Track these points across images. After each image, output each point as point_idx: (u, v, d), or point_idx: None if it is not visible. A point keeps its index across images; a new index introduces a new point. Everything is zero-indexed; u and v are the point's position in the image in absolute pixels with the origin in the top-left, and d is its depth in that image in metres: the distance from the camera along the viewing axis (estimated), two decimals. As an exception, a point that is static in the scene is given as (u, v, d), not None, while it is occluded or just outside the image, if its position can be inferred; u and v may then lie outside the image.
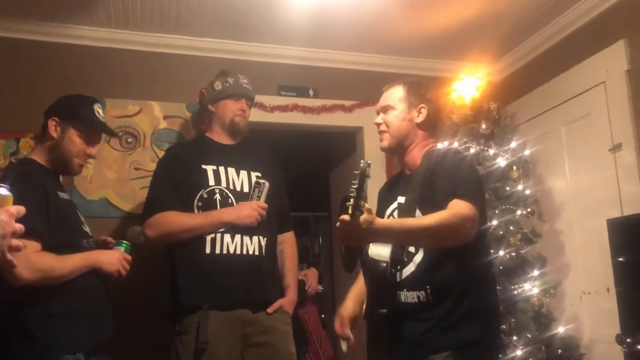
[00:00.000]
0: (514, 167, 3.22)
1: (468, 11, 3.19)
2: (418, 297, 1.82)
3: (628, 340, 2.49)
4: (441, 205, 1.73)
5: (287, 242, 2.69)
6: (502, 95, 3.67)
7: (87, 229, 2.21)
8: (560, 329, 3.01)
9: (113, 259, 2.11)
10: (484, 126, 3.30)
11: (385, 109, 2.05)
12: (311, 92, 3.63)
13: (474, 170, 1.88)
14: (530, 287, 3.02)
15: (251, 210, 2.40)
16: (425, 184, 1.84)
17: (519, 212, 3.13)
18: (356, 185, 1.49)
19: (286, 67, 3.59)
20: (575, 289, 3.18)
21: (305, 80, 3.63)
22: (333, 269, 4.93)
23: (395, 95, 2.03)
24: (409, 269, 1.85)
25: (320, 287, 3.89)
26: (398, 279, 1.86)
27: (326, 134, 4.07)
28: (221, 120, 2.60)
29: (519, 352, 2.86)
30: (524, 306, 2.98)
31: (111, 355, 2.80)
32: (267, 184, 2.48)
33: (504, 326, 2.90)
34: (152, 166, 2.92)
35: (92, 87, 3.00)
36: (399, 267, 1.86)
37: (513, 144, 3.29)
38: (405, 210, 1.89)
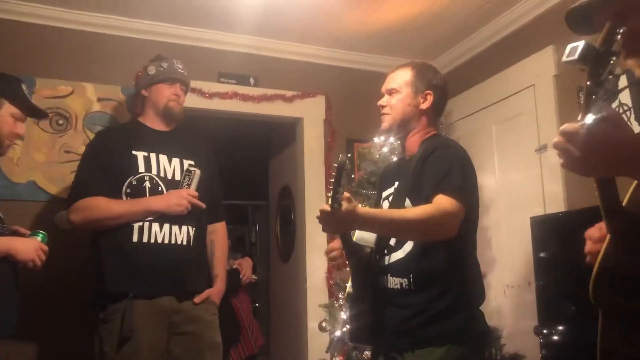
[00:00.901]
0: (448, 163, 3.31)
1: (409, 9, 3.25)
2: (401, 284, 1.82)
3: (544, 331, 2.65)
4: (427, 198, 1.73)
5: (218, 232, 2.66)
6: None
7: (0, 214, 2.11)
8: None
9: (29, 247, 1.99)
10: (420, 122, 3.38)
11: (390, 92, 1.98)
12: (252, 81, 3.60)
13: (464, 165, 1.84)
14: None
15: (180, 199, 2.36)
16: (416, 173, 1.83)
17: (449, 207, 3.23)
18: (334, 179, 1.51)
19: (227, 54, 3.55)
20: (500, 282, 3.32)
21: (246, 68, 3.60)
22: (269, 258, 4.95)
23: (402, 78, 1.96)
24: (397, 255, 1.85)
25: (254, 277, 3.90)
26: (385, 263, 1.87)
27: (266, 124, 4.07)
28: (155, 105, 2.55)
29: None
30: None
31: (36, 342, 2.73)
32: (198, 171, 2.45)
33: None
34: (84, 150, 2.83)
35: (21, 65, 2.88)
36: (386, 252, 1.87)
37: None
38: (396, 197, 1.91)
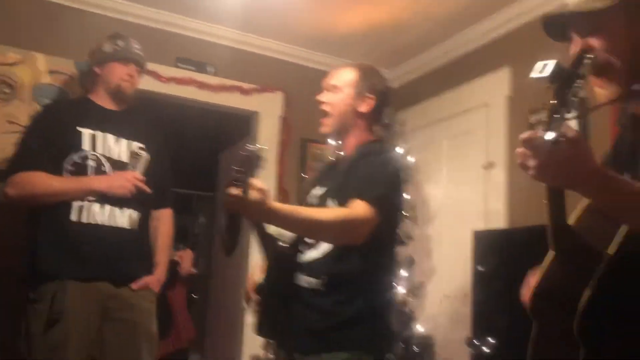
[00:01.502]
0: (398, 172, 3.37)
1: (375, 16, 3.28)
2: (314, 283, 1.78)
3: (475, 342, 2.72)
4: (347, 201, 1.71)
5: (163, 219, 2.60)
6: (394, 102, 3.80)
7: None
8: (419, 328, 3.20)
9: None
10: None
11: (331, 88, 1.93)
12: (210, 69, 3.55)
13: (392, 176, 1.82)
14: (396, 286, 3.18)
15: (125, 181, 2.31)
16: (345, 177, 1.81)
17: (396, 215, 3.28)
18: (242, 167, 1.44)
19: (187, 39, 3.49)
20: (437, 291, 3.39)
21: (206, 56, 3.55)
22: (212, 250, 4.89)
23: (346, 77, 1.92)
24: (313, 254, 1.82)
25: (193, 270, 3.85)
26: (300, 261, 1.83)
27: (221, 114, 4.01)
28: (106, 83, 2.47)
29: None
30: (389, 304, 3.14)
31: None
32: (146, 155, 2.40)
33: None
34: (28, 122, 2.72)
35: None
36: (301, 250, 1.83)
37: (400, 151, 3.44)
38: (322, 198, 1.88)
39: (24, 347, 2.21)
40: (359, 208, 1.68)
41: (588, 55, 0.93)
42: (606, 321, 0.98)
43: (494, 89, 3.20)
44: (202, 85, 3.49)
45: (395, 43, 3.61)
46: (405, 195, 1.97)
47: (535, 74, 0.95)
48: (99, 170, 2.34)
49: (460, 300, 3.16)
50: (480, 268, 2.82)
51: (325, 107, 1.93)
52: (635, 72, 1.06)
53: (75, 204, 2.26)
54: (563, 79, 0.90)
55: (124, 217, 2.34)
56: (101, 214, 2.29)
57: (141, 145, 2.46)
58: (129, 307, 2.33)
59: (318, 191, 1.95)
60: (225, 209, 1.58)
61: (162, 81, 3.35)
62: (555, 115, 0.89)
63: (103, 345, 2.29)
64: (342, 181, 1.82)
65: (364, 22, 3.37)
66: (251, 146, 1.46)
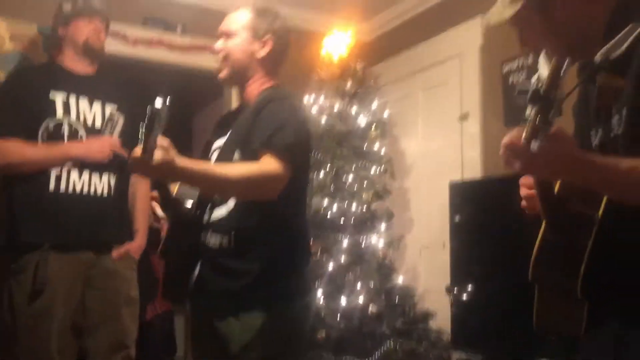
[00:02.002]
0: (373, 127, 3.38)
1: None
2: (221, 242, 1.69)
3: (455, 290, 2.80)
4: (255, 153, 1.63)
5: (141, 183, 2.53)
6: (368, 55, 3.78)
7: None
8: (400, 280, 3.27)
9: None
10: (349, 85, 3.41)
11: (227, 34, 1.80)
12: (179, 29, 3.47)
13: (299, 123, 1.72)
14: (376, 240, 3.23)
15: (102, 146, 2.27)
16: (249, 124, 1.71)
17: (373, 170, 3.31)
18: (146, 124, 1.32)
19: (153, -2, 3.38)
20: (416, 243, 3.46)
21: (174, 14, 3.45)
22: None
23: (240, 20, 1.79)
24: (221, 211, 1.73)
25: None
26: (207, 219, 1.75)
27: (192, 76, 3.94)
28: (73, 43, 2.37)
29: (361, 299, 3.07)
30: (369, 257, 3.20)
31: None
32: (121, 118, 2.35)
33: (350, 275, 3.10)
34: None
35: None
36: (209, 207, 1.74)
37: (374, 105, 3.44)
38: (225, 149, 1.78)
39: (8, 317, 2.21)
40: (269, 163, 1.60)
41: (564, 64, 0.98)
42: (607, 277, 1.05)
43: (466, 39, 3.19)
44: (171, 47, 3.41)
45: (367, -5, 3.55)
46: (311, 145, 1.84)
47: (517, 90, 1.03)
48: (75, 137, 2.29)
49: (439, 250, 3.23)
50: (457, 218, 2.88)
51: (220, 55, 1.80)
52: (570, 52, 1.13)
53: (53, 173, 2.22)
54: (542, 103, 0.96)
55: (102, 184, 2.31)
56: (79, 182, 2.25)
57: (115, 105, 2.41)
58: (110, 275, 2.33)
59: (220, 142, 1.85)
60: (131, 171, 1.51)
61: (130, 44, 3.27)
62: (539, 126, 0.95)
63: (86, 313, 2.30)
64: (246, 131, 1.71)
65: (334, -25, 3.29)
66: (156, 102, 1.33)
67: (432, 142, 3.46)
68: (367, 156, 3.34)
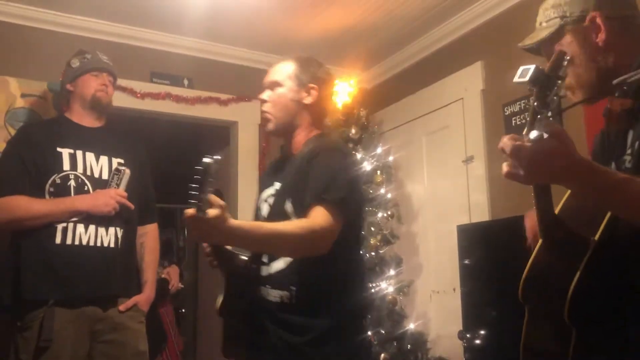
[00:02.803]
0: (378, 172, 3.40)
1: (345, 19, 3.30)
2: (281, 297, 1.67)
3: (467, 335, 2.75)
4: (308, 204, 1.61)
5: (149, 234, 2.56)
6: (371, 102, 3.84)
7: None
8: (411, 326, 3.22)
9: None
10: (353, 131, 3.47)
11: (272, 85, 1.82)
12: (186, 82, 3.55)
13: (350, 173, 1.72)
14: (386, 286, 3.20)
15: (108, 199, 2.27)
16: (300, 174, 1.70)
17: (380, 215, 3.31)
18: (197, 182, 1.31)
19: (160, 53, 3.48)
20: (426, 288, 3.42)
21: (180, 69, 3.54)
22: (198, 262, 4.86)
23: (285, 70, 1.82)
24: (278, 264, 1.70)
25: (181, 285, 3.85)
26: (264, 274, 1.73)
27: (199, 126, 4.01)
28: (81, 98, 2.43)
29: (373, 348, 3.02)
30: (379, 304, 3.16)
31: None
32: (127, 171, 2.36)
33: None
34: (4, 147, 2.69)
35: None
36: (265, 261, 1.73)
37: (379, 150, 3.47)
38: (278, 200, 1.77)
39: (14, 375, 2.18)
40: (320, 217, 1.58)
41: (566, 57, 0.99)
42: (594, 304, 1.02)
43: (468, 84, 3.24)
44: (178, 99, 3.48)
45: (367, 45, 3.64)
46: (364, 192, 1.88)
47: (517, 78, 1.00)
48: (81, 190, 2.30)
49: (449, 295, 3.19)
50: (466, 261, 2.85)
51: (266, 108, 1.82)
52: (598, 75, 1.17)
53: (60, 226, 2.22)
54: (543, 82, 0.96)
55: (109, 236, 2.30)
56: (86, 235, 2.25)
57: (121, 160, 2.43)
58: (117, 328, 2.30)
59: (269, 191, 1.84)
60: (189, 234, 1.51)
61: (138, 97, 3.34)
62: (537, 116, 0.95)
63: None
64: (296, 180, 1.71)
65: (334, 26, 3.39)
66: (205, 159, 1.32)
67: (438, 186, 3.47)
68: (374, 201, 3.35)
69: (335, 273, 1.68)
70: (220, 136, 3.97)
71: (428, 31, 3.47)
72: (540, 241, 1.14)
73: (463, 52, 3.31)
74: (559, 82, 0.96)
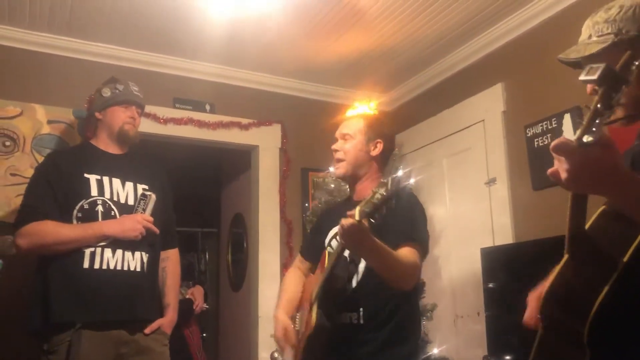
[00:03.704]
0: (400, 194, 3.38)
1: (365, 43, 3.33)
2: (351, 318, 1.88)
3: (493, 360, 2.69)
4: (395, 243, 1.79)
5: (171, 259, 2.60)
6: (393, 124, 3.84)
7: None
8: (435, 351, 3.17)
9: None
10: (374, 154, 3.46)
11: (344, 137, 2.12)
12: (207, 107, 3.60)
13: (424, 214, 2.01)
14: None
15: (135, 224, 2.30)
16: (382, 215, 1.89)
17: (402, 238, 3.28)
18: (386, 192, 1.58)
19: (183, 79, 3.54)
20: (450, 312, 3.36)
21: (202, 95, 3.59)
22: (219, 286, 4.87)
23: (355, 126, 2.11)
24: (352, 284, 1.91)
25: (206, 305, 3.84)
26: (348, 294, 1.92)
27: (220, 151, 4.05)
28: (109, 128, 2.48)
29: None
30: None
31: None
32: (153, 196, 2.40)
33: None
34: (31, 172, 2.72)
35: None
36: (352, 281, 1.92)
37: (400, 172, 3.45)
38: None
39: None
40: (414, 254, 1.82)
41: (635, 62, 0.93)
42: (616, 328, 0.98)
43: (489, 106, 3.23)
44: (200, 124, 3.53)
45: (388, 68, 3.66)
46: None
47: (583, 76, 0.95)
48: (108, 215, 2.33)
49: (474, 319, 3.13)
50: (491, 285, 2.81)
51: (339, 156, 2.10)
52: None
53: (87, 251, 2.25)
54: (611, 82, 0.90)
55: (135, 260, 2.33)
56: (113, 259, 2.28)
57: (146, 186, 2.46)
58: (142, 351, 2.31)
59: (335, 230, 1.97)
60: (343, 236, 1.67)
61: (161, 122, 3.39)
62: (596, 120, 0.89)
63: None
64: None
65: (355, 50, 3.42)
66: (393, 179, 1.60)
67: (460, 208, 3.43)
68: (395, 224, 3.33)
69: (398, 294, 1.88)
70: (241, 160, 4.00)
71: (448, 53, 3.48)
72: (565, 257, 1.10)
73: (483, 74, 3.31)
74: (625, 86, 0.91)
